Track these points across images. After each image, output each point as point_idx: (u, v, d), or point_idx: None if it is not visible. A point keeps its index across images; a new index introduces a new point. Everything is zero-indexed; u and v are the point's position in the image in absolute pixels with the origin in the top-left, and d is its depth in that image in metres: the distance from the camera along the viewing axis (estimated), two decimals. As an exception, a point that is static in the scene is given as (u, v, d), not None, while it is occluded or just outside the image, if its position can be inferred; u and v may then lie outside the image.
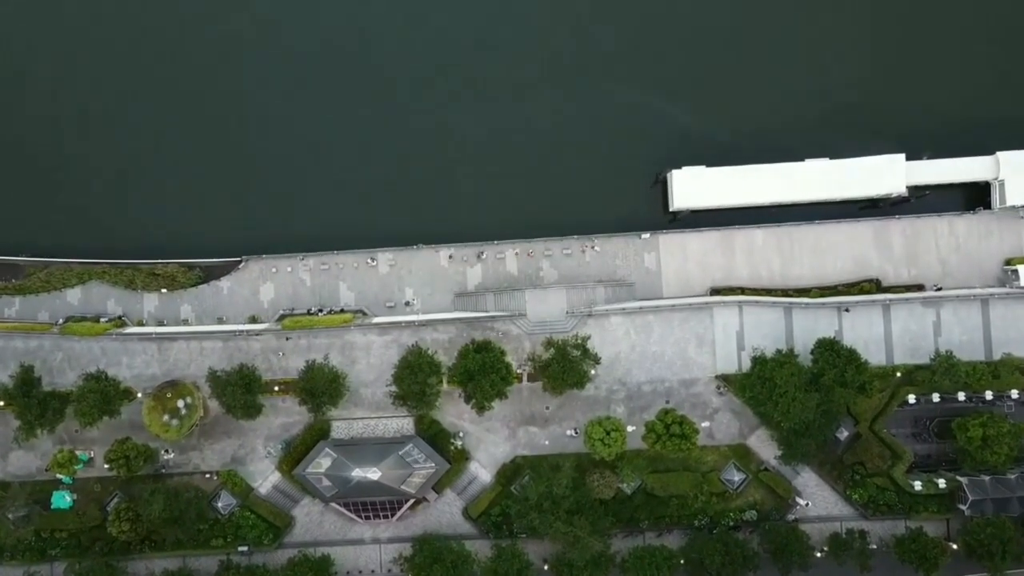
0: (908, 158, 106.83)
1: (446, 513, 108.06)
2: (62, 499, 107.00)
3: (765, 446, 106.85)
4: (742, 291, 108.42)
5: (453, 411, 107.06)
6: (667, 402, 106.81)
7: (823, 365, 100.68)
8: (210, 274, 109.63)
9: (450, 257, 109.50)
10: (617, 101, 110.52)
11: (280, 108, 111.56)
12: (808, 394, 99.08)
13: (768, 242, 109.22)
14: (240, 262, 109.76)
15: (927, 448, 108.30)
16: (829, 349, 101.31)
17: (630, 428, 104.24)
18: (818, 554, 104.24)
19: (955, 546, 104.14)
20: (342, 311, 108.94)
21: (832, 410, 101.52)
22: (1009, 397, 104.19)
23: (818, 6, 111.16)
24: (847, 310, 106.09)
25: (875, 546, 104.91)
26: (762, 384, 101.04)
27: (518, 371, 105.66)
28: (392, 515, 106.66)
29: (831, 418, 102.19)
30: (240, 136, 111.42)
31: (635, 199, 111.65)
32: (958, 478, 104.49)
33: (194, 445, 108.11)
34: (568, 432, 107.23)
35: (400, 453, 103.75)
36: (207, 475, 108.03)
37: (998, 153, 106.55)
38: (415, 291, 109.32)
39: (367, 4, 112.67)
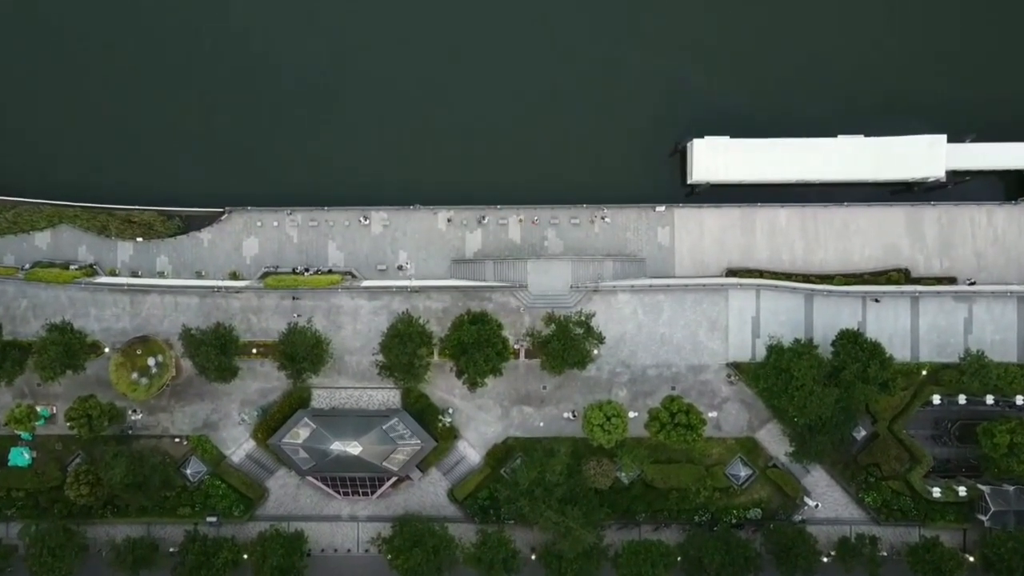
0: (950, 140, 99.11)
1: (430, 493, 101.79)
2: (20, 456, 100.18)
3: (775, 441, 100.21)
4: (760, 274, 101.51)
5: (443, 385, 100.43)
6: (673, 388, 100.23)
7: (844, 358, 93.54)
8: (190, 224, 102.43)
9: (449, 220, 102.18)
10: (638, 62, 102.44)
11: (274, 49, 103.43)
12: (827, 389, 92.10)
13: (792, 223, 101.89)
14: (223, 213, 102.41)
15: (946, 452, 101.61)
16: (852, 341, 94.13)
17: (632, 414, 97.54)
18: (825, 559, 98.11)
19: (972, 559, 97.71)
20: (330, 272, 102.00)
21: (851, 407, 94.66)
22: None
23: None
24: (877, 300, 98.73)
25: (886, 554, 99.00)
26: (777, 375, 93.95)
27: (515, 346, 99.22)
28: (372, 492, 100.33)
29: (849, 416, 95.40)
30: (232, 78, 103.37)
31: (651, 169, 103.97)
32: (979, 487, 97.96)
33: (164, 407, 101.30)
34: (565, 415, 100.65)
35: (384, 428, 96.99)
36: (176, 439, 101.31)
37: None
38: (409, 255, 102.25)
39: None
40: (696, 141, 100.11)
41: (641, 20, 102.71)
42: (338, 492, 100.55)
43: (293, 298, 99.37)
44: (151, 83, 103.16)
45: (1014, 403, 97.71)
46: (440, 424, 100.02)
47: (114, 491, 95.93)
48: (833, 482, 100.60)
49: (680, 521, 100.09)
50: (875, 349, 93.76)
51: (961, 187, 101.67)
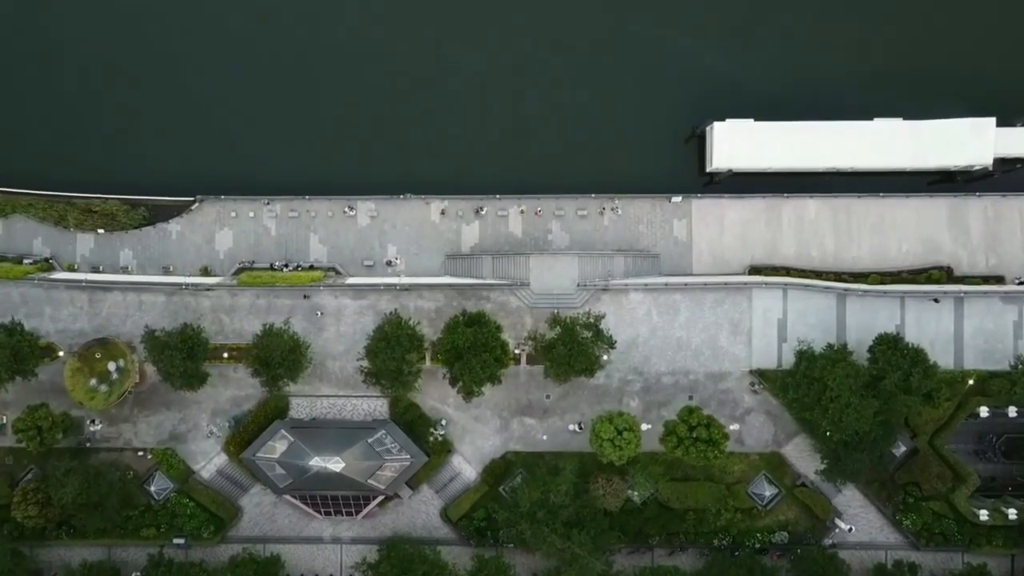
0: (999, 124, 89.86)
1: (421, 513, 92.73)
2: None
3: (804, 457, 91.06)
4: (787, 272, 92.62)
5: (436, 394, 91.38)
6: (690, 398, 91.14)
7: (883, 366, 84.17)
8: (157, 215, 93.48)
9: (443, 212, 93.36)
10: (652, 37, 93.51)
11: (250, 22, 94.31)
12: (865, 400, 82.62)
13: (822, 215, 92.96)
14: (193, 202, 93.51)
15: (991, 469, 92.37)
16: (891, 347, 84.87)
17: (645, 426, 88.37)
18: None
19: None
20: (311, 267, 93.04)
21: (891, 421, 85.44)
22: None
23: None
24: (936, 300, 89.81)
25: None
26: (809, 385, 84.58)
27: (516, 351, 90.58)
28: (357, 512, 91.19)
29: (889, 430, 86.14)
30: (203, 53, 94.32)
31: (666, 155, 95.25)
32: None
33: (126, 416, 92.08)
34: (571, 427, 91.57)
35: (369, 441, 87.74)
36: (140, 453, 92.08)
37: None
38: (399, 249, 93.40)
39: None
40: (716, 125, 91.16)
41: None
42: (319, 511, 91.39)
43: (304, 296, 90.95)
44: (114, 60, 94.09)
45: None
46: (432, 437, 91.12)
47: (67, 511, 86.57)
48: (867, 502, 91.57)
49: (698, 545, 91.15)
50: (917, 356, 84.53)
51: (1009, 176, 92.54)
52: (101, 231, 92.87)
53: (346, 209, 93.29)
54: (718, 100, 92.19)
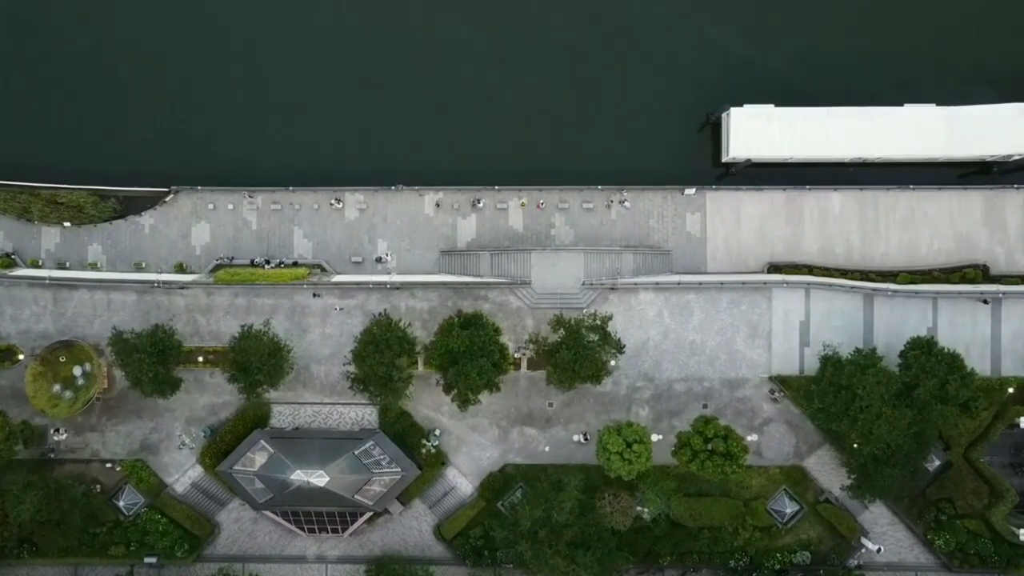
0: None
1: (413, 529, 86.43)
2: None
3: (828, 470, 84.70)
4: (810, 270, 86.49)
5: (429, 402, 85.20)
6: (705, 407, 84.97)
7: (917, 372, 77.74)
8: (128, 207, 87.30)
9: (437, 204, 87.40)
10: (664, 15, 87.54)
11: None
12: (898, 410, 76.03)
13: (847, 209, 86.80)
14: (168, 194, 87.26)
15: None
16: (926, 352, 78.34)
17: (656, 437, 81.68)
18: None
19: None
20: (295, 264, 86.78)
21: (926, 432, 78.80)
22: None
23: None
24: (986, 301, 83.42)
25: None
26: (835, 393, 77.94)
27: (515, 355, 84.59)
28: (343, 529, 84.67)
29: (924, 443, 79.55)
30: (178, 34, 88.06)
31: (679, 144, 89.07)
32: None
33: (93, 425, 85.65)
34: (575, 438, 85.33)
35: (356, 452, 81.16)
36: (108, 464, 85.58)
37: None
38: (390, 244, 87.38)
39: None
40: (734, 110, 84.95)
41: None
42: (302, 528, 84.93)
43: (314, 295, 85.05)
44: (81, 40, 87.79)
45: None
46: (425, 448, 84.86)
47: (26, 529, 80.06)
48: (896, 520, 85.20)
49: (713, 566, 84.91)
50: (954, 361, 78.12)
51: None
52: (67, 224, 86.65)
53: (333, 201, 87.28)
54: (735, 84, 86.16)
